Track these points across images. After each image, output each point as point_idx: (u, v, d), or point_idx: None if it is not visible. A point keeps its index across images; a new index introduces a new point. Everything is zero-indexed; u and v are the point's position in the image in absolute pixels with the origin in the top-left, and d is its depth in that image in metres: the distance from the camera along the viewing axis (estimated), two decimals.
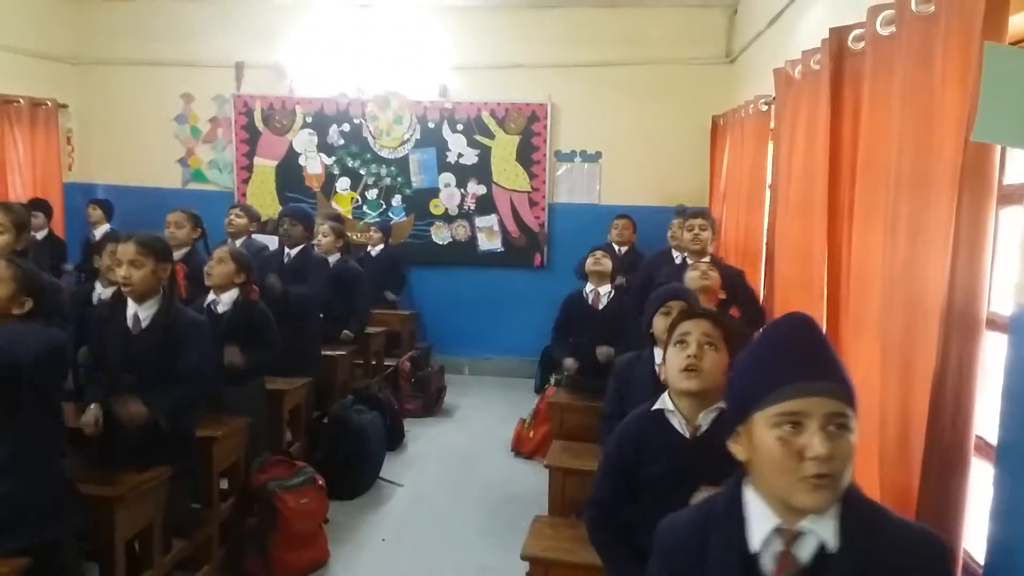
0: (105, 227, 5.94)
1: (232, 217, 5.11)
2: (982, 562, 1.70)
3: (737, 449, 1.16)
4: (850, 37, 2.50)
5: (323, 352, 4.55)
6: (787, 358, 1.11)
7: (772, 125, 3.73)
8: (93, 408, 2.60)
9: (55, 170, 6.38)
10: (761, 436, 1.10)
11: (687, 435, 1.81)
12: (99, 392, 2.67)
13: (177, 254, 4.17)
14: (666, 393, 1.86)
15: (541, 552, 2.23)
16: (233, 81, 6.74)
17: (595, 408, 3.51)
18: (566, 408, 3.65)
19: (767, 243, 3.86)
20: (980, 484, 1.78)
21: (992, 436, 1.71)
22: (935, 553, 1.12)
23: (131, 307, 2.72)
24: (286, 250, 4.58)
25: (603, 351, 3.80)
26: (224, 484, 3.35)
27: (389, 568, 3.47)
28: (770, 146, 3.83)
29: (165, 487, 2.69)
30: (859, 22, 2.39)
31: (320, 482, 3.50)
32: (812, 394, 1.07)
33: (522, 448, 4.92)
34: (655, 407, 1.87)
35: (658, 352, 2.41)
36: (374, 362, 5.65)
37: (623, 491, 1.88)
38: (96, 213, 6.03)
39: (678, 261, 4.30)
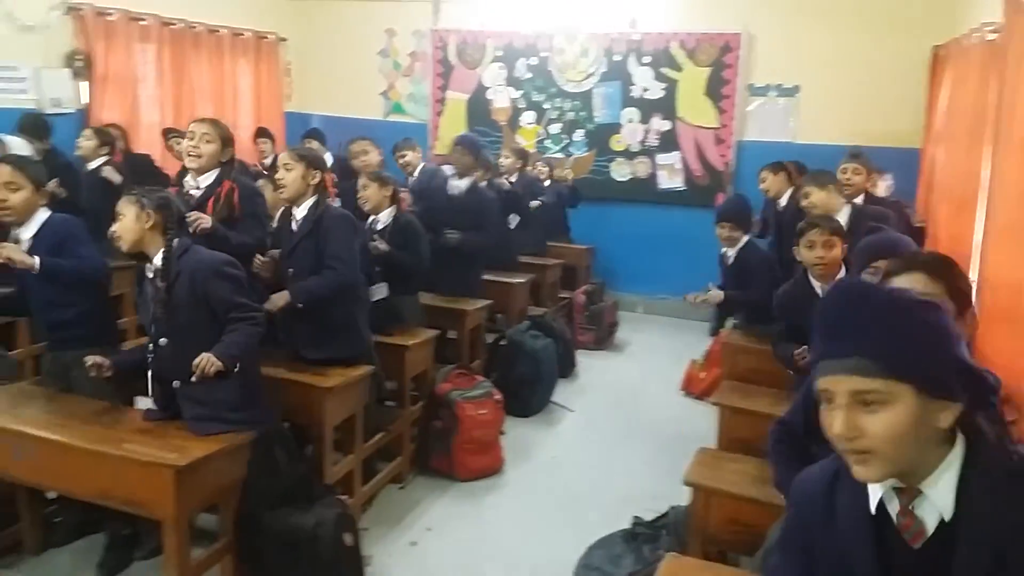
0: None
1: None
2: None
3: None
4: None
5: (501, 280, 4.81)
6: (820, 334, 1.10)
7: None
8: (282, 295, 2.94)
9: (277, 100, 7.09)
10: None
11: None
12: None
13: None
14: None
15: (703, 480, 2.29)
16: (431, 16, 7.03)
17: (765, 350, 3.44)
18: (739, 349, 3.60)
19: (989, 187, 3.51)
20: None
21: None
22: None
23: (293, 211, 3.07)
24: (452, 181, 4.53)
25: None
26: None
27: (557, 482, 3.70)
28: None
29: (366, 383, 3.05)
30: None
31: (497, 396, 3.77)
32: (834, 372, 1.05)
33: (692, 388, 4.93)
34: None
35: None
36: (550, 292, 5.86)
37: (810, 422, 1.77)
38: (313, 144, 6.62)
39: None
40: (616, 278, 6.80)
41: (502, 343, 4.57)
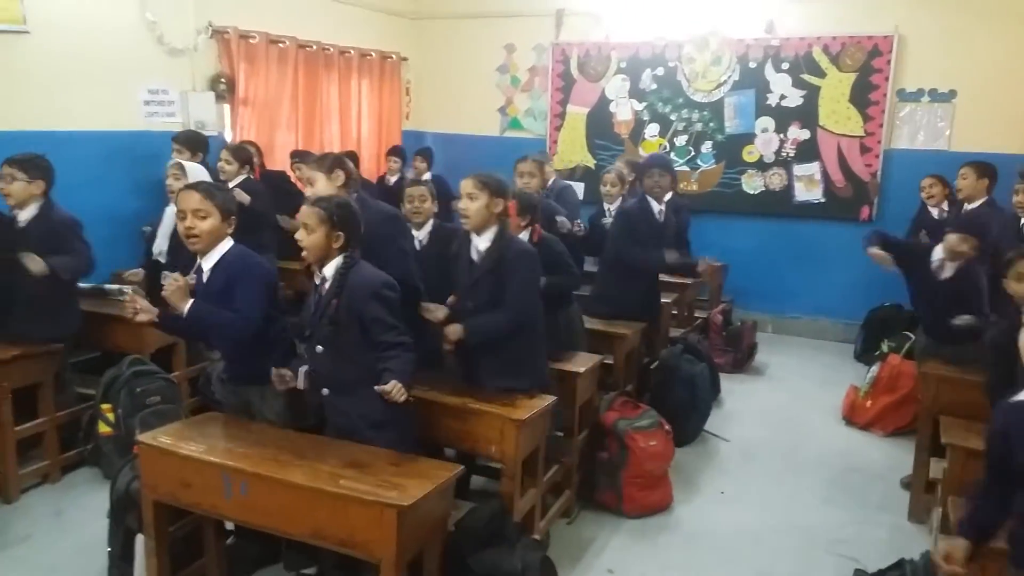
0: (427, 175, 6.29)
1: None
2: None
3: None
4: None
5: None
6: None
7: None
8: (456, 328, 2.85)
9: (396, 119, 7.10)
10: None
11: None
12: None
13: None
14: None
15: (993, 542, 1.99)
16: (552, 30, 6.90)
17: (975, 382, 3.11)
18: (943, 380, 3.25)
19: None
20: None
21: None
22: None
23: (473, 240, 2.91)
24: (653, 203, 4.29)
25: (964, 320, 3.34)
26: None
27: (730, 520, 3.43)
28: None
29: (550, 414, 2.88)
30: None
31: (666, 427, 3.53)
32: None
33: (857, 418, 4.55)
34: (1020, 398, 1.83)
35: None
36: (686, 313, 5.59)
37: (1001, 477, 1.91)
38: (422, 166, 6.35)
39: None
40: (744, 296, 6.46)
41: (653, 367, 4.35)
